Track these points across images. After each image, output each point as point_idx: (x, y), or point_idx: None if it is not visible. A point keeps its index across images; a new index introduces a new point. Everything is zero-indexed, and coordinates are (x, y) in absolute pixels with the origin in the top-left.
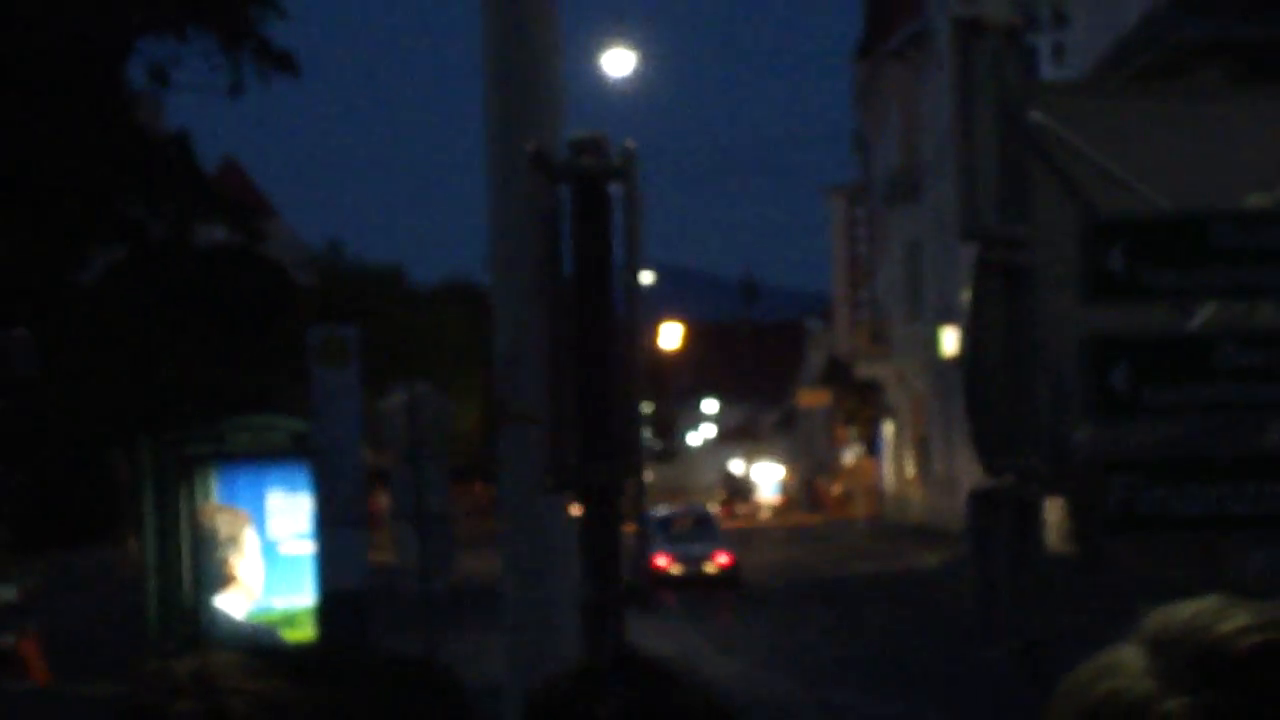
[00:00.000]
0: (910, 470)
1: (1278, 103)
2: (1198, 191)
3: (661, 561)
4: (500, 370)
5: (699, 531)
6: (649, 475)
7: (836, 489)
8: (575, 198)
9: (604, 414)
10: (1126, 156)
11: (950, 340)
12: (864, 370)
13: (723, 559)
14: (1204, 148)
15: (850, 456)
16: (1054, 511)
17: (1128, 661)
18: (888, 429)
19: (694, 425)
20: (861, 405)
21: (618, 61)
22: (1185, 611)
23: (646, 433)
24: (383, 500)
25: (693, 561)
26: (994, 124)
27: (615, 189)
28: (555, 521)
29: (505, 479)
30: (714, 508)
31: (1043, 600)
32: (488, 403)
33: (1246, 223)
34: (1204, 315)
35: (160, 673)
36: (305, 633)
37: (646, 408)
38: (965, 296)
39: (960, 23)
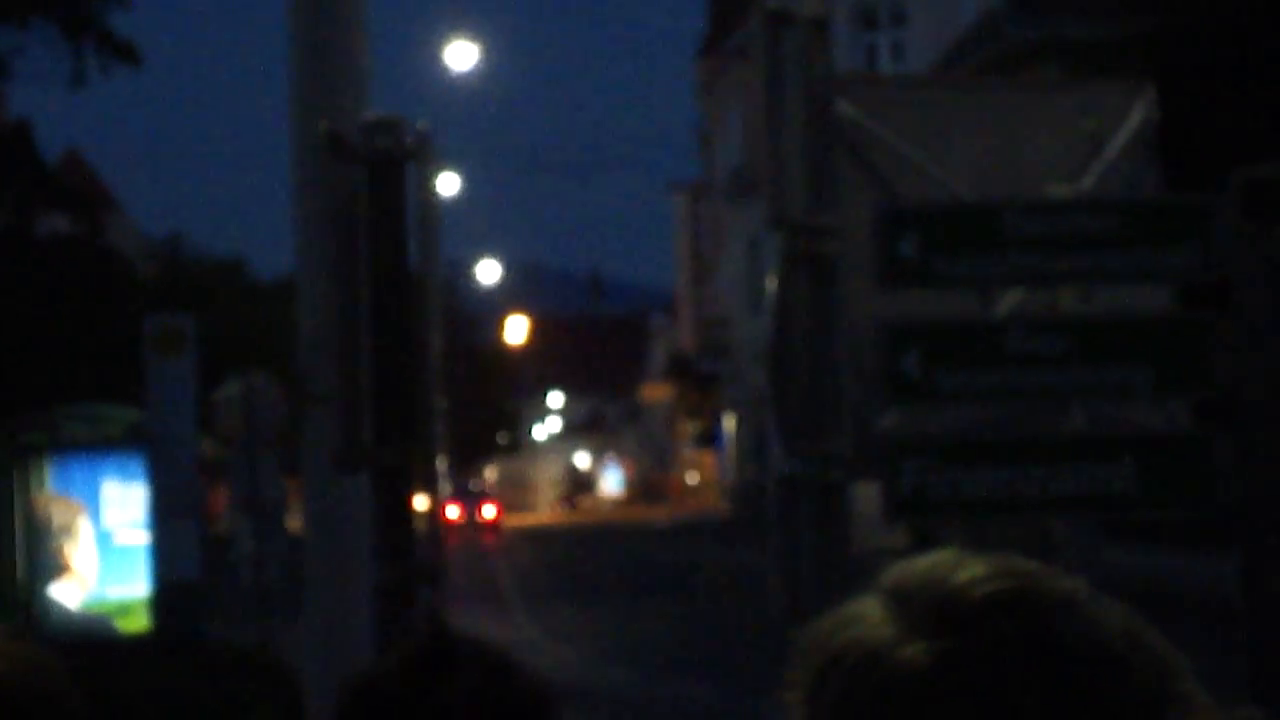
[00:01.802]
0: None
1: (1083, 96)
2: (1002, 183)
3: (452, 512)
4: (303, 354)
5: (478, 496)
6: (494, 470)
7: (679, 482)
8: (370, 179)
9: (398, 395)
10: (931, 148)
11: None
12: (705, 365)
13: (490, 512)
14: (1010, 140)
15: (691, 450)
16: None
17: (867, 611)
18: (729, 423)
19: (540, 419)
20: (703, 399)
21: (461, 55)
22: (923, 563)
23: (501, 433)
24: (223, 492)
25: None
26: (801, 115)
27: (412, 172)
28: (355, 504)
29: (307, 462)
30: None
31: (848, 585)
32: (294, 388)
33: (1038, 210)
34: (1007, 304)
35: None
36: (140, 623)
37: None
38: (771, 284)
39: (768, 14)
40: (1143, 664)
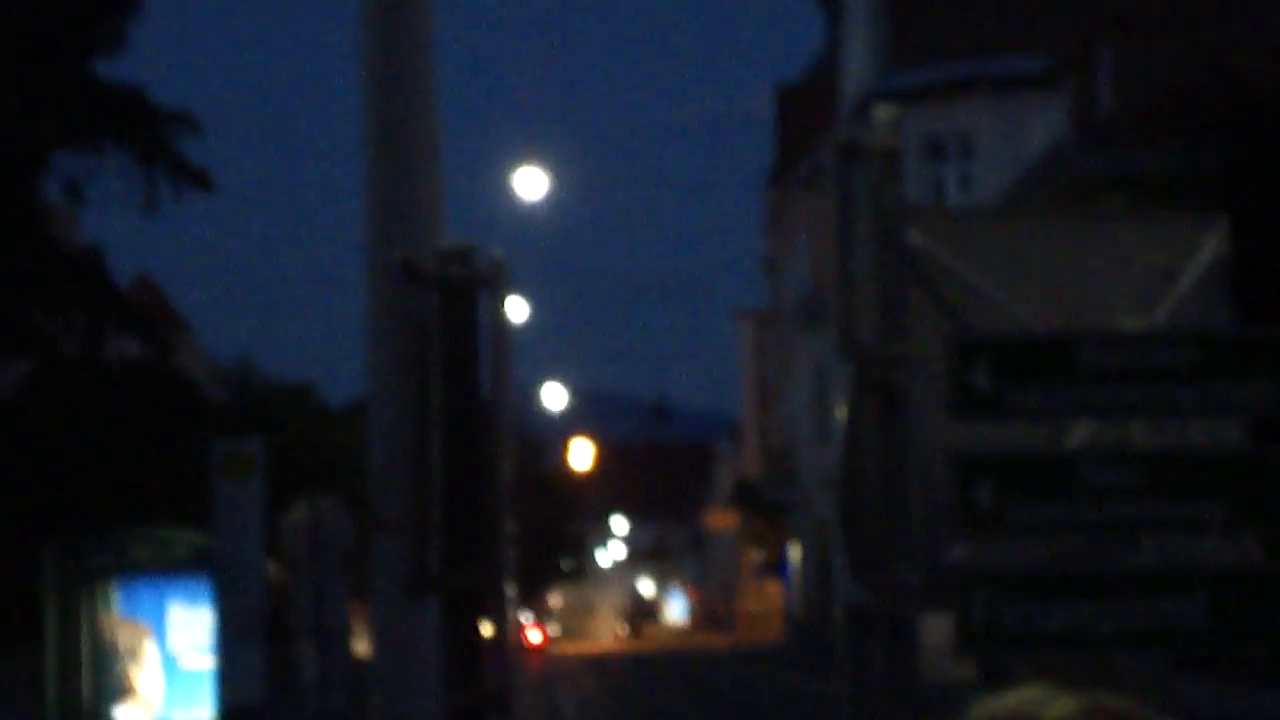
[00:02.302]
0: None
1: (1155, 228)
2: (1072, 314)
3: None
4: (374, 479)
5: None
6: (558, 596)
7: (743, 611)
8: (443, 306)
9: (468, 520)
10: (1002, 278)
11: None
12: (771, 492)
13: (536, 636)
14: (1080, 271)
15: (755, 579)
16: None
17: None
18: (794, 552)
19: (604, 545)
20: (768, 528)
21: (531, 182)
22: (1011, 699)
23: (565, 559)
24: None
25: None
26: (872, 244)
27: (485, 299)
28: (424, 631)
29: (376, 587)
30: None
31: (916, 717)
32: (363, 513)
33: (1111, 344)
34: (1079, 436)
35: None
36: None
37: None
38: (842, 413)
39: (840, 146)
40: None
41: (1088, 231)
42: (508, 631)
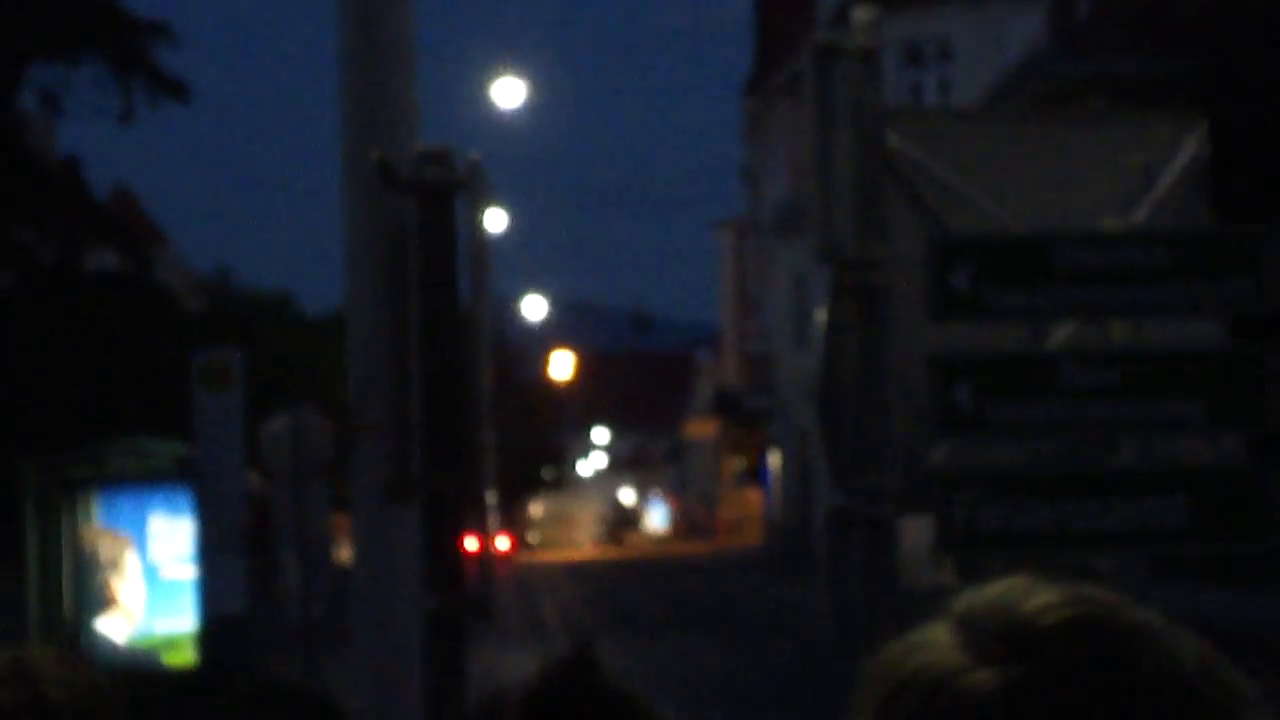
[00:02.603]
0: (795, 499)
1: (1133, 130)
2: (1052, 215)
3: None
4: (354, 385)
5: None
6: (538, 505)
7: (723, 518)
8: (421, 209)
9: (447, 425)
10: (982, 180)
11: None
12: (750, 401)
13: (503, 544)
14: (1060, 173)
15: (735, 486)
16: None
17: (936, 638)
18: (774, 459)
19: (585, 454)
20: (747, 436)
21: (508, 91)
22: (992, 590)
23: (546, 468)
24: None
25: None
26: (851, 148)
27: (462, 203)
28: (404, 535)
29: (356, 492)
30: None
31: (896, 620)
32: (344, 421)
33: (1090, 243)
34: (1059, 337)
35: None
36: (186, 657)
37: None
38: (821, 317)
39: (817, 48)
40: (1216, 695)
41: (1067, 134)
42: (488, 536)
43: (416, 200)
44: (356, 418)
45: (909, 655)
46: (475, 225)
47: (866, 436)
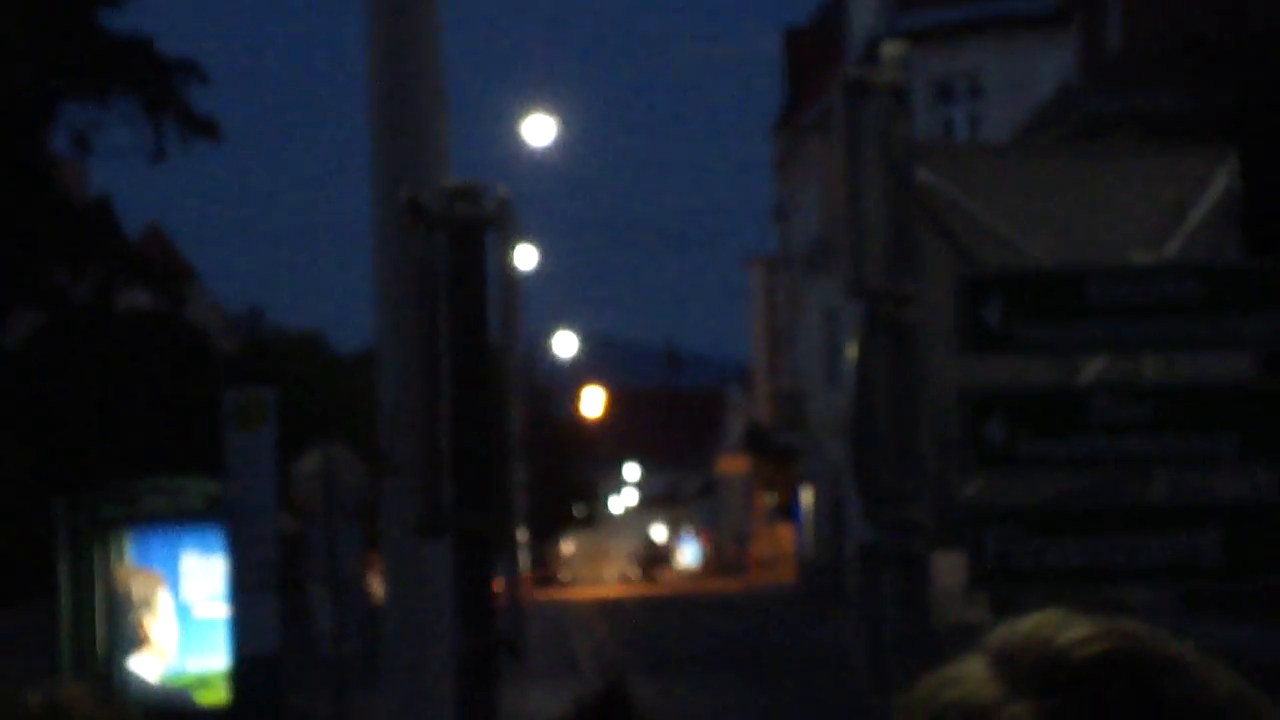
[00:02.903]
0: (827, 536)
1: (1165, 164)
2: (1082, 250)
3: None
4: (384, 422)
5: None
6: (570, 542)
7: (756, 555)
8: (451, 245)
9: (478, 463)
10: (1012, 215)
11: None
12: (782, 438)
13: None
14: (1091, 207)
15: (767, 523)
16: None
17: (972, 671)
18: (806, 496)
19: (616, 491)
20: (779, 472)
21: (539, 129)
22: (1027, 624)
23: (578, 505)
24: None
25: None
26: (881, 182)
27: (492, 239)
28: (435, 574)
29: (387, 530)
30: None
31: (930, 655)
32: (375, 459)
33: (1122, 278)
34: (1091, 372)
35: (10, 700)
36: (219, 695)
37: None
38: (852, 352)
39: (848, 83)
40: None
41: (1098, 168)
42: (519, 574)
43: (446, 236)
44: (387, 455)
45: (944, 689)
46: (505, 261)
47: (899, 472)
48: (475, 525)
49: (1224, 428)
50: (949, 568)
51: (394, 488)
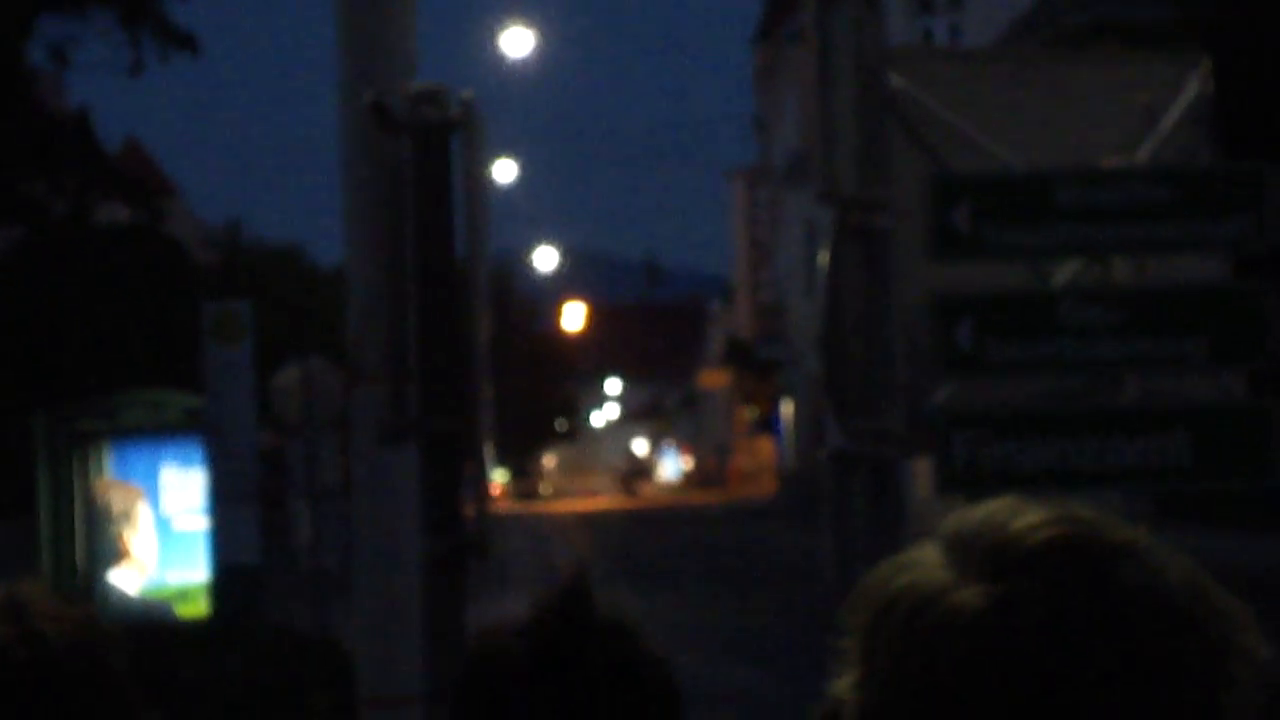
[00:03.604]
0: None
1: (1136, 69)
2: (1055, 155)
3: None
4: (352, 331)
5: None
6: (552, 456)
7: (737, 468)
8: (415, 150)
9: (445, 368)
10: (984, 120)
11: None
12: (763, 350)
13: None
14: (1063, 113)
15: (748, 436)
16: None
17: (925, 557)
18: (787, 408)
19: (598, 405)
20: (760, 385)
21: (517, 41)
22: (981, 510)
23: (559, 420)
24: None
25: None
26: (853, 88)
27: (459, 143)
28: (403, 479)
29: (355, 438)
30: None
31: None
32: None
33: (1091, 181)
34: (1062, 276)
35: None
36: (199, 608)
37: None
38: (824, 259)
39: None
40: (1204, 614)
41: (1070, 74)
42: (486, 476)
43: (410, 141)
44: (354, 363)
45: (897, 574)
46: (472, 165)
47: (869, 378)
48: (440, 430)
49: (1192, 331)
50: (927, 476)
51: (362, 396)
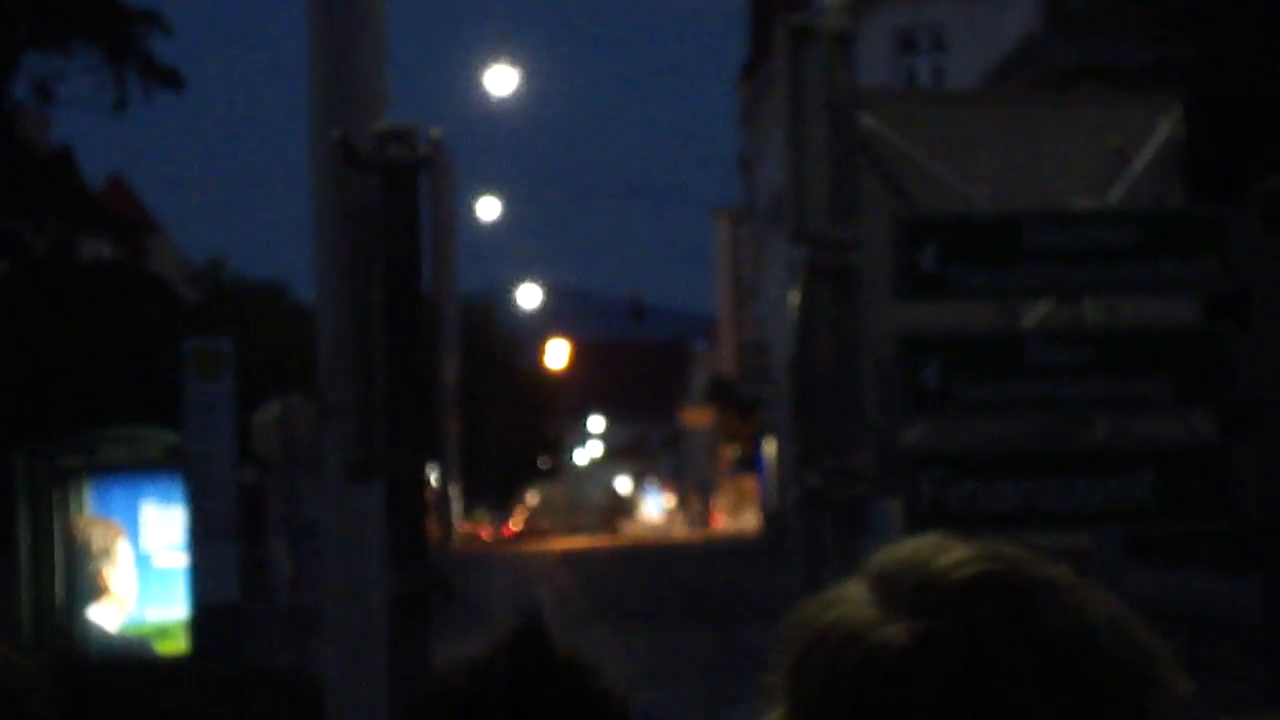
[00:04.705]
0: (789, 486)
1: (1109, 111)
2: (1025, 197)
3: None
4: (322, 367)
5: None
6: (534, 494)
7: (720, 506)
8: (383, 188)
9: (409, 402)
10: (955, 161)
11: None
12: (746, 389)
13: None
14: (1034, 154)
15: (732, 474)
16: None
17: (851, 593)
18: (769, 447)
19: (581, 443)
20: (743, 424)
21: (501, 80)
22: (906, 547)
23: (541, 457)
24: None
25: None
26: (823, 128)
27: (426, 182)
28: (372, 517)
29: (327, 473)
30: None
31: None
32: (313, 400)
33: (1058, 222)
34: (1033, 318)
35: None
36: (178, 645)
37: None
38: (794, 298)
39: (791, 29)
40: (1123, 649)
41: (1041, 116)
42: (450, 515)
43: (379, 179)
44: (324, 398)
45: (824, 610)
46: (439, 204)
47: (839, 417)
48: (407, 466)
49: (1159, 371)
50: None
51: (332, 433)
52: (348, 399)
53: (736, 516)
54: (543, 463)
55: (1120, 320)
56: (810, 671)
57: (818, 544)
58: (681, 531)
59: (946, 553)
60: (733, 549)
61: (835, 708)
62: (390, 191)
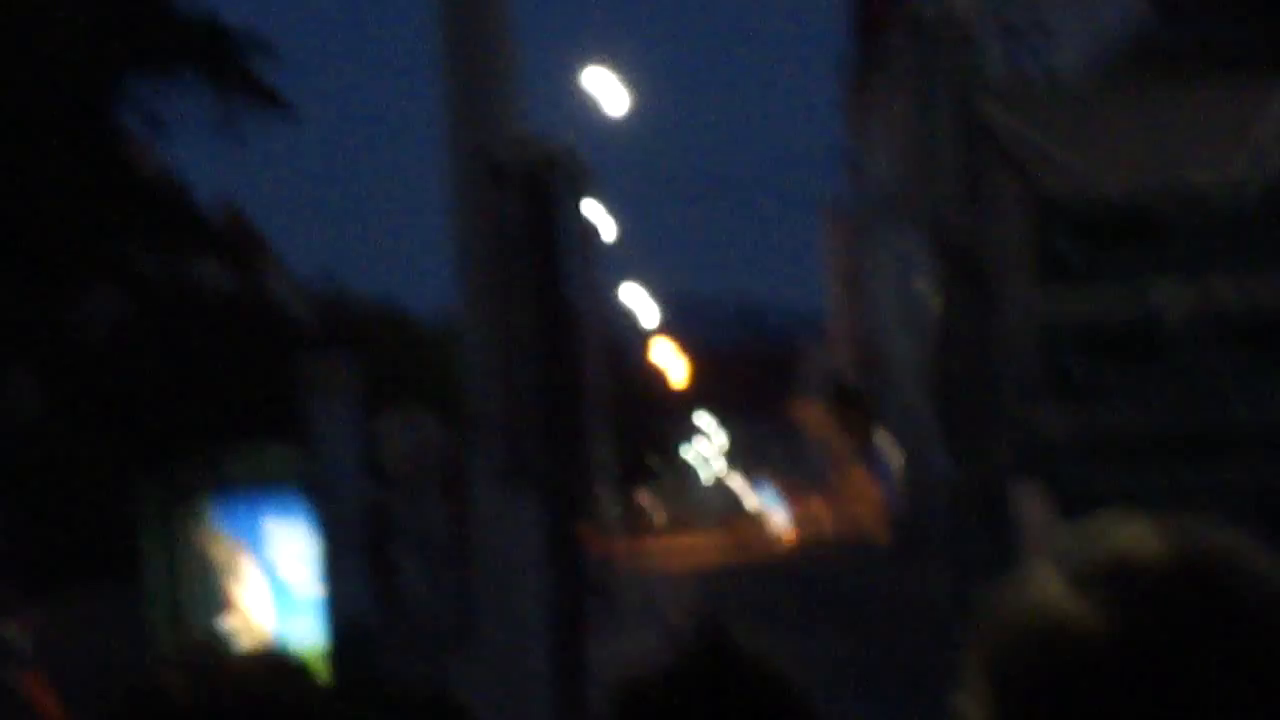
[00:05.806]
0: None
1: (1226, 90)
2: (1150, 177)
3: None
4: (470, 385)
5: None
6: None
7: (837, 505)
8: (527, 204)
9: (560, 421)
10: (1080, 146)
11: None
12: (861, 385)
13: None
14: (1156, 135)
15: (848, 471)
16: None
17: (1046, 586)
18: (886, 442)
19: (688, 439)
20: (859, 420)
21: (612, 99)
22: (1095, 533)
23: (652, 456)
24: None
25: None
26: (951, 121)
27: (566, 195)
28: (523, 532)
29: (476, 491)
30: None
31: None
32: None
33: (1190, 201)
34: (1160, 295)
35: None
36: (317, 670)
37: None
38: (929, 292)
39: (916, 22)
40: None
41: (1161, 97)
42: (604, 524)
43: (520, 191)
44: (473, 416)
45: (1020, 603)
46: (579, 216)
47: (980, 408)
48: (559, 480)
49: None
50: (1039, 501)
51: (480, 445)
52: (496, 412)
53: (854, 514)
54: (653, 462)
55: (1249, 296)
56: (1007, 663)
57: (962, 536)
58: (797, 529)
59: (1139, 538)
60: (851, 547)
61: (1042, 700)
62: (530, 204)
